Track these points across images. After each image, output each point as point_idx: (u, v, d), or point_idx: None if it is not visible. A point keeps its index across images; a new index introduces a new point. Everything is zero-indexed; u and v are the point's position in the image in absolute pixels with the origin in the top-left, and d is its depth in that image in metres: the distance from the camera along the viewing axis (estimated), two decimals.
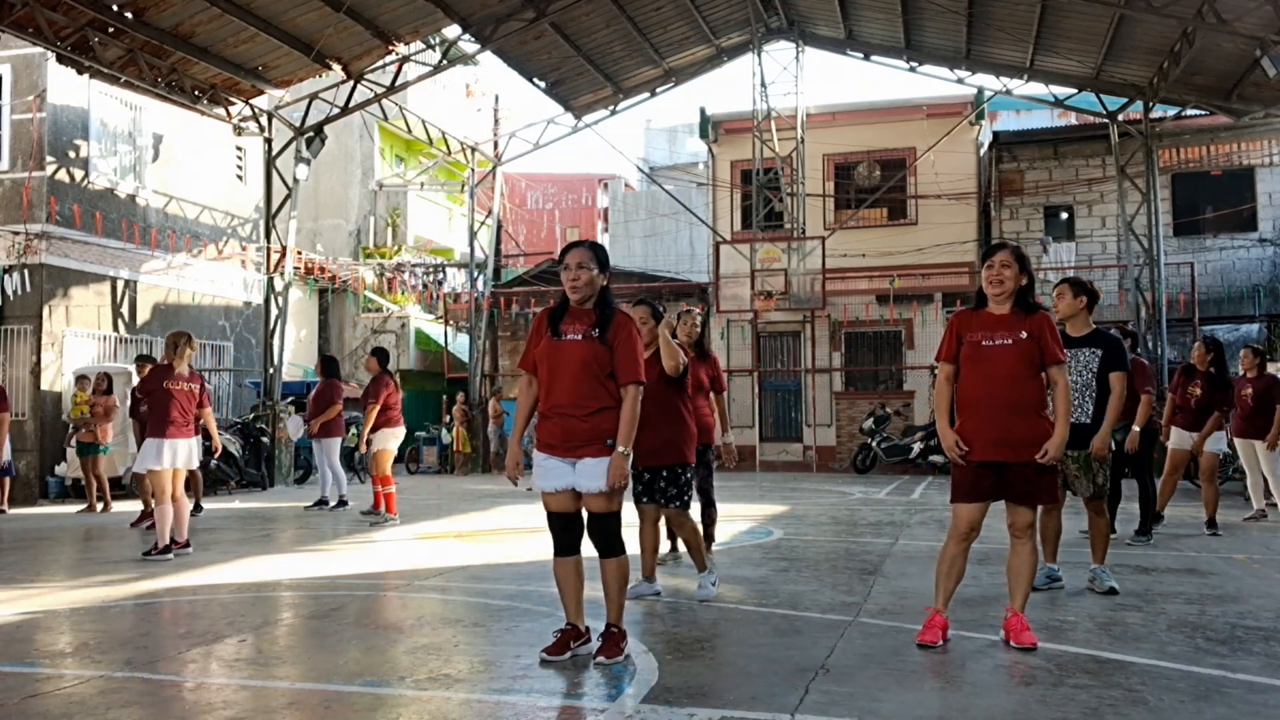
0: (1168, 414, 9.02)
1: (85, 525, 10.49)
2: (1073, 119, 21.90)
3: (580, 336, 4.16)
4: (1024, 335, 4.34)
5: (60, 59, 13.59)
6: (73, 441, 12.86)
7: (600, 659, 4.09)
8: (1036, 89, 18.54)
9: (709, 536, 6.65)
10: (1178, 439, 8.92)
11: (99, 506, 11.91)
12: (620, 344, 4.14)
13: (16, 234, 14.33)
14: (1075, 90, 17.82)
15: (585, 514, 4.22)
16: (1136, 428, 7.19)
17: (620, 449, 4.06)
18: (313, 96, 16.89)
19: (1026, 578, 4.44)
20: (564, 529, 4.22)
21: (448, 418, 20.77)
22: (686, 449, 5.63)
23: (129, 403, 13.56)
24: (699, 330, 6.60)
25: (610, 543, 4.18)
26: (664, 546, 6.96)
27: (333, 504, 11.33)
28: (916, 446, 17.09)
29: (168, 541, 7.48)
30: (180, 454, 7.58)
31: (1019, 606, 4.41)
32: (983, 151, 20.22)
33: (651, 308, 5.76)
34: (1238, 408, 9.25)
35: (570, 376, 4.14)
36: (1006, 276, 4.41)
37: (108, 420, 12.06)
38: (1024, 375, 4.35)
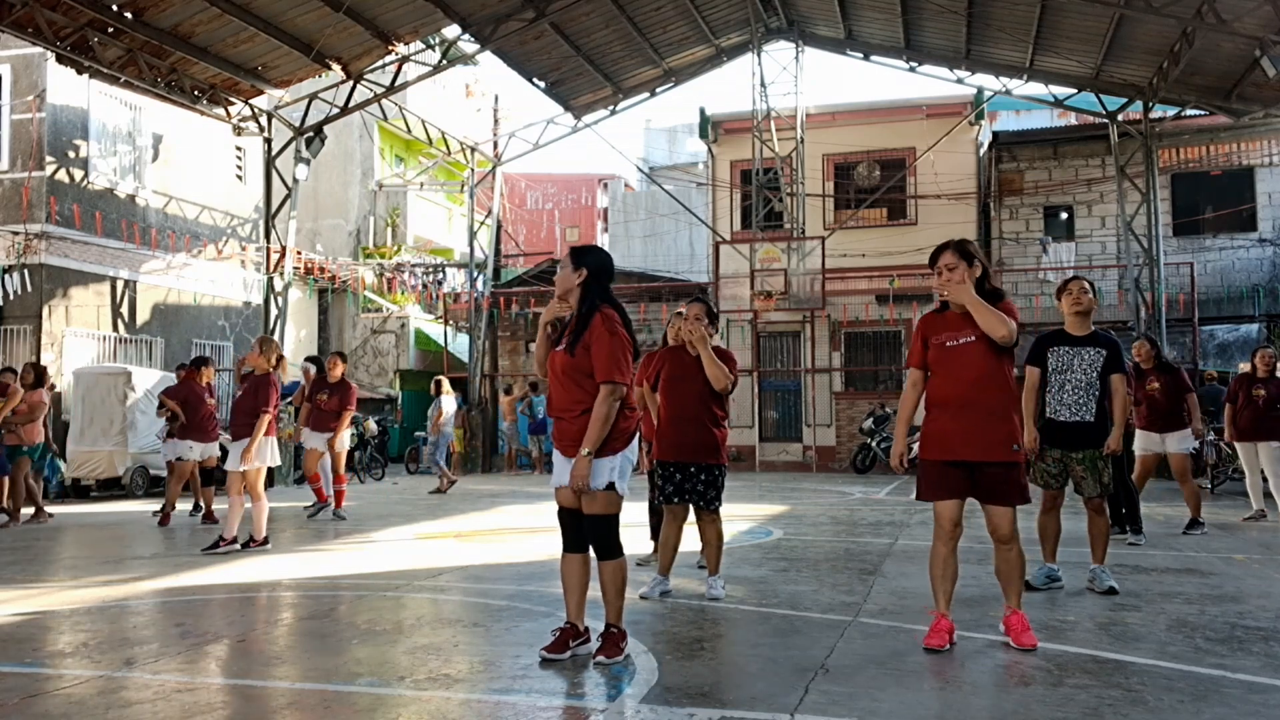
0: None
1: (81, 526, 10.48)
2: (1072, 119, 21.89)
3: (565, 344, 4.23)
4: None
5: (60, 59, 13.59)
6: None
7: (600, 659, 4.09)
8: (1036, 89, 18.52)
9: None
10: (1144, 442, 8.49)
11: (4, 519, 10.22)
12: (593, 342, 4.12)
13: (16, 234, 14.34)
14: (1075, 90, 17.80)
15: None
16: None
17: (583, 450, 4.06)
18: (312, 96, 16.88)
19: (1016, 576, 4.47)
20: (568, 524, 4.29)
21: None
22: (723, 450, 5.64)
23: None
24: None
25: (607, 545, 4.19)
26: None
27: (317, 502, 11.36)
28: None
29: (235, 533, 7.96)
30: (275, 451, 8.24)
31: (1015, 604, 4.45)
32: (982, 151, 20.21)
33: (706, 306, 5.64)
34: (1244, 408, 9.15)
35: (557, 382, 4.25)
36: (952, 279, 4.37)
37: (32, 419, 10.53)
38: (991, 371, 4.33)
